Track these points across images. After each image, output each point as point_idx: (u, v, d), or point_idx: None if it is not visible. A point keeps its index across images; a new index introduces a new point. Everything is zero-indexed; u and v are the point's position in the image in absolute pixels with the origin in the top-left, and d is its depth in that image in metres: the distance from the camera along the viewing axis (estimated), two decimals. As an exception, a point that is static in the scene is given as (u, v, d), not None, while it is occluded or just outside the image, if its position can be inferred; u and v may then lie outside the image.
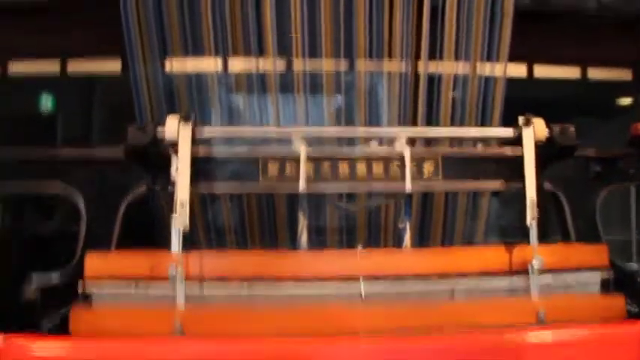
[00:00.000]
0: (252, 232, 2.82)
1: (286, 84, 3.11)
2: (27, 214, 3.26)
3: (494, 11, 3.02)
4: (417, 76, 3.14)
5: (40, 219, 3.33)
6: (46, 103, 3.95)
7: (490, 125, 3.10)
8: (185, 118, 2.31)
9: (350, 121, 3.19)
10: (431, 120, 3.13)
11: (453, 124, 3.13)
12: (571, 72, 3.58)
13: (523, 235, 2.46)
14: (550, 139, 2.46)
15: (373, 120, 3.21)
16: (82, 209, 2.56)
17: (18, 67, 3.47)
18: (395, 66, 3.08)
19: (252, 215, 2.80)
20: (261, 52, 2.99)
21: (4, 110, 3.60)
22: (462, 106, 3.16)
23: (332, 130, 2.48)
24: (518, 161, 2.48)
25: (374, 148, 2.60)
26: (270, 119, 3.14)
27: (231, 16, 2.90)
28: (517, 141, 2.51)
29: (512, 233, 2.66)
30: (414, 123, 3.14)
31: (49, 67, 3.43)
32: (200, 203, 2.65)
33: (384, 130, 2.56)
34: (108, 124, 3.63)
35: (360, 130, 2.52)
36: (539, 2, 3.15)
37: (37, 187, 2.63)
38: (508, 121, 3.10)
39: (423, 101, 3.11)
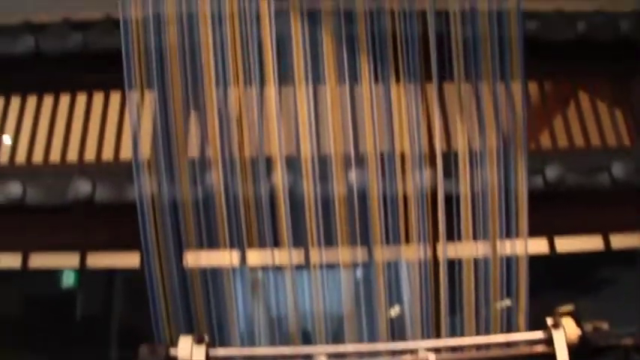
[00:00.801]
0: None
1: (303, 269, 3.08)
2: None
3: (508, 194, 3.03)
4: (436, 259, 3.09)
5: None
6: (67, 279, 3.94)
7: (517, 306, 3.01)
8: (199, 340, 2.23)
9: (369, 299, 3.11)
10: (454, 303, 3.04)
11: (477, 305, 3.05)
12: (593, 242, 3.53)
13: None
14: (583, 340, 2.32)
15: (393, 299, 3.13)
16: None
17: (38, 261, 3.52)
18: (413, 250, 3.05)
19: None
20: (276, 244, 2.99)
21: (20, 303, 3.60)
22: (485, 285, 3.08)
23: (352, 348, 2.39)
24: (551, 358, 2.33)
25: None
26: (287, 299, 3.08)
27: (245, 211, 2.94)
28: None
29: None
30: (437, 305, 3.05)
31: (69, 260, 3.47)
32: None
33: (408, 345, 2.45)
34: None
35: (383, 347, 2.42)
36: (553, 184, 3.16)
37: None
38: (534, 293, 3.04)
39: (444, 284, 3.04)
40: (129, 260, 3.31)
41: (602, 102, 3.95)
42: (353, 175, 2.91)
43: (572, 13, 3.73)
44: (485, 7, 3.28)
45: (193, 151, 3.20)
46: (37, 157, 3.78)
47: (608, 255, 3.53)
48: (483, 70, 3.24)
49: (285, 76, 3.09)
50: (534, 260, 3.12)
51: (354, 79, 3.12)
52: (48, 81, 3.83)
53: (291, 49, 3.09)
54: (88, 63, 3.62)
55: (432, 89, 3.23)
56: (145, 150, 3.21)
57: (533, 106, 3.86)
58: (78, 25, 3.67)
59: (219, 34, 3.13)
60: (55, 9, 3.85)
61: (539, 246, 3.42)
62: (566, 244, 3.47)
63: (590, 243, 3.52)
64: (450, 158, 3.07)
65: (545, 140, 3.72)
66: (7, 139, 3.91)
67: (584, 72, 3.90)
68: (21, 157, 3.80)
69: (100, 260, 3.42)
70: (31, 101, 3.91)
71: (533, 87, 3.87)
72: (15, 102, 3.94)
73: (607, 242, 3.53)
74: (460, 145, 3.13)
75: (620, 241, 3.54)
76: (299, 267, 3.02)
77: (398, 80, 3.15)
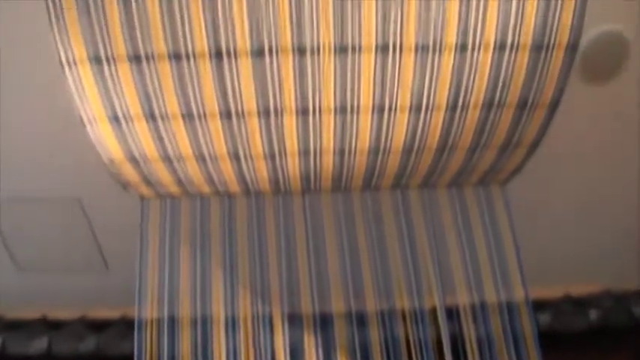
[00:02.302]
0: None
1: None
2: None
3: None
4: None
5: None
6: None
7: None
8: None
9: None
10: None
11: None
12: None
13: None
14: None
15: None
16: None
17: None
18: None
19: None
20: None
21: None
22: None
23: None
24: None
25: None
26: None
27: None
28: None
29: None
30: None
31: None
32: None
33: None
34: None
35: None
36: None
37: None
38: None
39: None
40: None
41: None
42: None
43: (582, 299, 3.78)
44: (494, 299, 3.33)
45: None
46: None
47: None
48: (500, 364, 3.17)
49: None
50: None
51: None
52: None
53: (304, 353, 3.08)
54: (99, 364, 3.60)
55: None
56: None
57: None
58: (93, 325, 3.71)
59: (232, 339, 3.15)
60: (72, 305, 3.96)
61: None
62: None
63: None
64: None
65: None
66: None
67: (603, 354, 3.82)
68: None
69: None
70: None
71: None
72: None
73: None
74: None
75: None
76: None
77: (414, 382, 3.07)
